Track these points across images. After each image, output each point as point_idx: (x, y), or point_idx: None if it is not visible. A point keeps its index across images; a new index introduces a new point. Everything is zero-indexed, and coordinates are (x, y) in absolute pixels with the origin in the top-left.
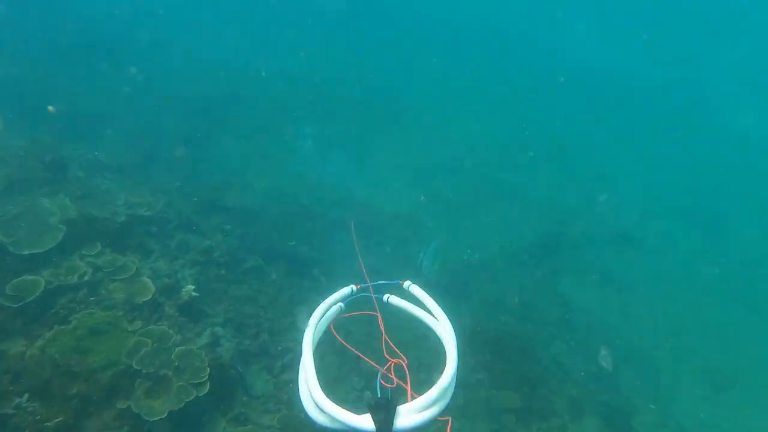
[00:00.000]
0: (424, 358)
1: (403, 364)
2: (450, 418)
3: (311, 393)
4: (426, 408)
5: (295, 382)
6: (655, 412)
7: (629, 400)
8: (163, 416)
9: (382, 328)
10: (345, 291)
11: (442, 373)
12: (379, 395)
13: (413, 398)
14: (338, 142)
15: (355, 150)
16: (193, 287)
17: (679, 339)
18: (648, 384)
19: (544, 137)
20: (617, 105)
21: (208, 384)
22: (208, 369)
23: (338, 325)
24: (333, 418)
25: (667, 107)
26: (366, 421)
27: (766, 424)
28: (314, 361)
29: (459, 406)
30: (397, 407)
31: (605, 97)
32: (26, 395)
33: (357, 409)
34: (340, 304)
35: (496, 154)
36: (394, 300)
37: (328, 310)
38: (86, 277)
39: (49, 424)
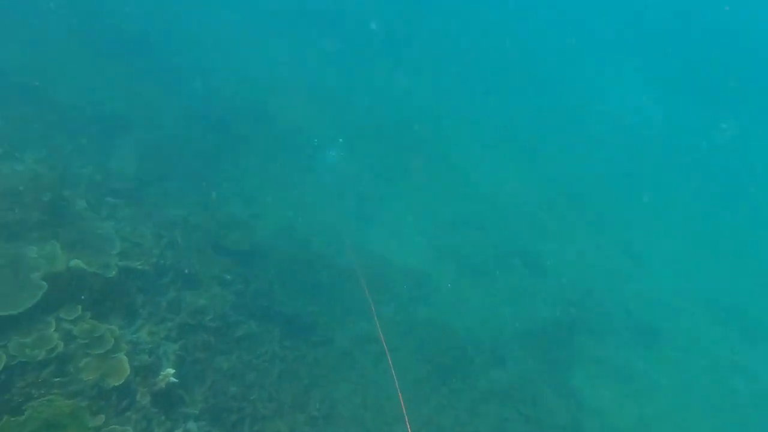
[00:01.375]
0: None
1: None
2: None
3: None
4: None
5: None
6: None
7: None
8: None
9: None
10: None
11: None
12: None
13: None
14: (358, 177)
15: (374, 190)
16: (173, 371)
17: None
18: None
19: (576, 199)
20: (658, 170)
21: None
22: None
23: None
24: None
25: (718, 180)
26: None
27: None
28: None
29: None
30: None
31: (649, 159)
32: None
33: None
34: None
35: (523, 212)
36: None
37: None
38: (56, 351)
39: None
